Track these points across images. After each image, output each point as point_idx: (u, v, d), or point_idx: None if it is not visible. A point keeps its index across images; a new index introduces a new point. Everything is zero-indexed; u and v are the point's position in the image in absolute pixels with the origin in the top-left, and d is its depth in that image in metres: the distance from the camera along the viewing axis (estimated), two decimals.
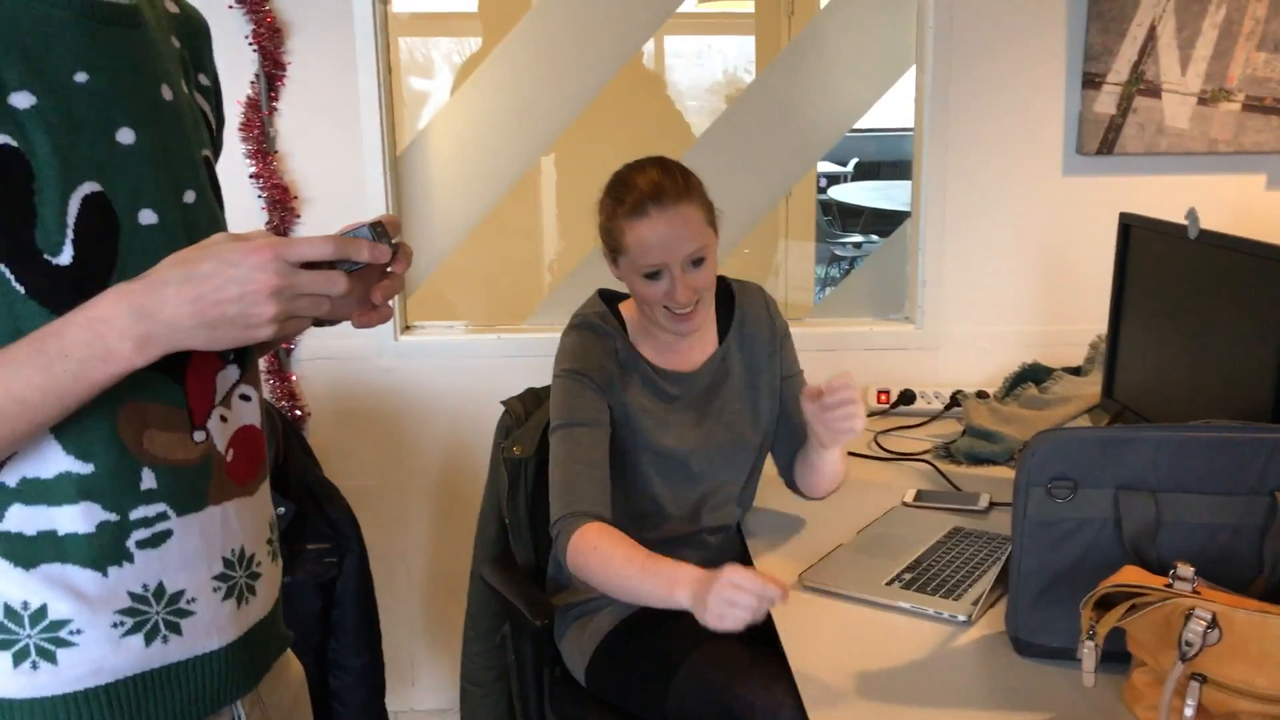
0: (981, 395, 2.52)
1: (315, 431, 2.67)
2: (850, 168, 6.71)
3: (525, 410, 2.15)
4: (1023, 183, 2.63)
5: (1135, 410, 1.98)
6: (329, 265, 0.95)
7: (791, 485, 2.03)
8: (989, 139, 2.61)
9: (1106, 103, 2.54)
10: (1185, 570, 1.29)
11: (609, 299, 1.96)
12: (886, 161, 6.61)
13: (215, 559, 1.05)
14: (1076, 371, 2.47)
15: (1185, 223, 1.79)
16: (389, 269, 1.04)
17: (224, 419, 1.06)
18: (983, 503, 2.04)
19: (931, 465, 2.28)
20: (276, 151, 2.54)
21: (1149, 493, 1.44)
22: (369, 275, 1.03)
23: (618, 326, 1.90)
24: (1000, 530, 1.90)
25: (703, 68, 3.13)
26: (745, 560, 1.89)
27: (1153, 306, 1.95)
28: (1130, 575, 1.37)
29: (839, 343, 2.70)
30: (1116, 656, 1.37)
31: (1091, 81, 2.53)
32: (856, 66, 2.74)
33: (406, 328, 2.75)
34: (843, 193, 6.20)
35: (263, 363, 2.73)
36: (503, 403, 2.16)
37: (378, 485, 2.74)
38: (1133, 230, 2.02)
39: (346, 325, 1.06)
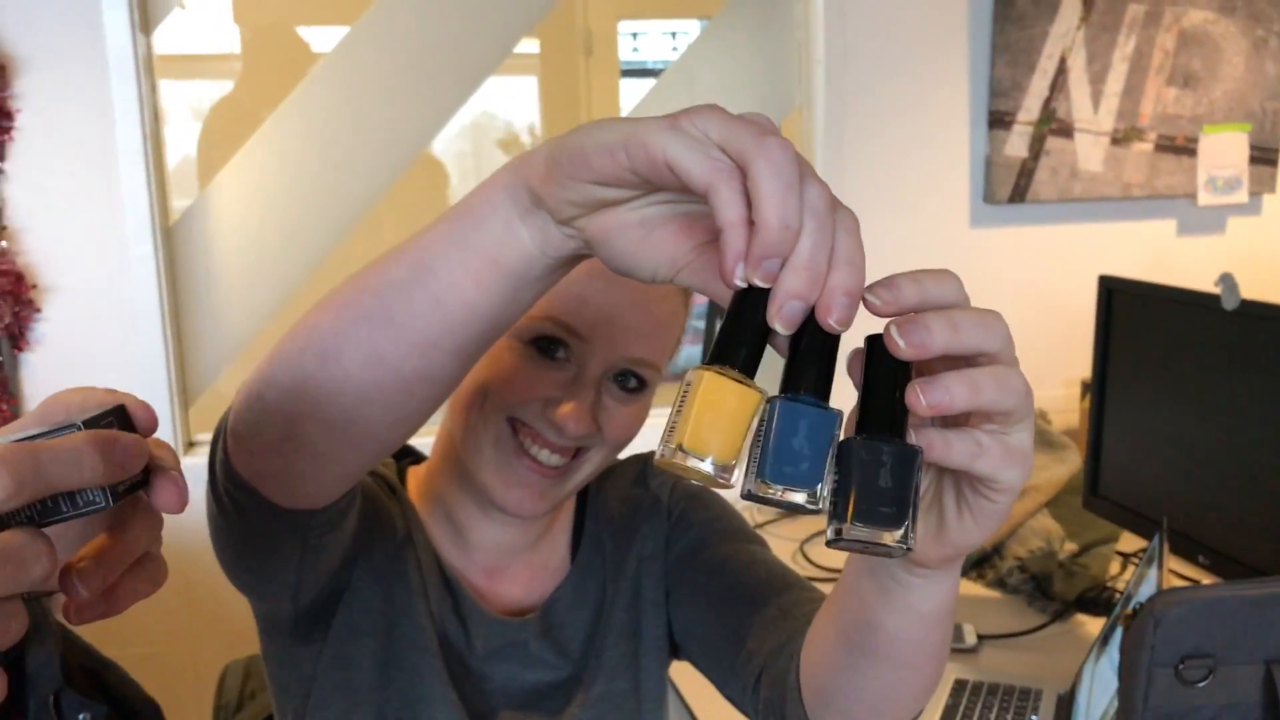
0: None
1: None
2: None
3: (244, 688, 1.36)
4: (927, 237, 2.30)
5: (1139, 511, 1.65)
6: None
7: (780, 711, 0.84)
8: (888, 189, 2.27)
9: (1017, 144, 2.24)
10: None
11: (398, 454, 1.09)
12: None
13: None
14: None
15: (1218, 290, 1.47)
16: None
17: None
18: (970, 639, 1.66)
19: None
20: (5, 227, 1.91)
21: None
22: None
23: (404, 496, 1.03)
24: (1007, 679, 1.52)
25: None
26: None
27: (1156, 385, 1.63)
28: None
29: None
30: None
31: (1000, 121, 2.23)
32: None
33: (190, 444, 2.15)
34: None
35: None
36: (225, 670, 1.40)
37: (160, 653, 2.11)
38: (1116, 295, 1.69)
39: None
